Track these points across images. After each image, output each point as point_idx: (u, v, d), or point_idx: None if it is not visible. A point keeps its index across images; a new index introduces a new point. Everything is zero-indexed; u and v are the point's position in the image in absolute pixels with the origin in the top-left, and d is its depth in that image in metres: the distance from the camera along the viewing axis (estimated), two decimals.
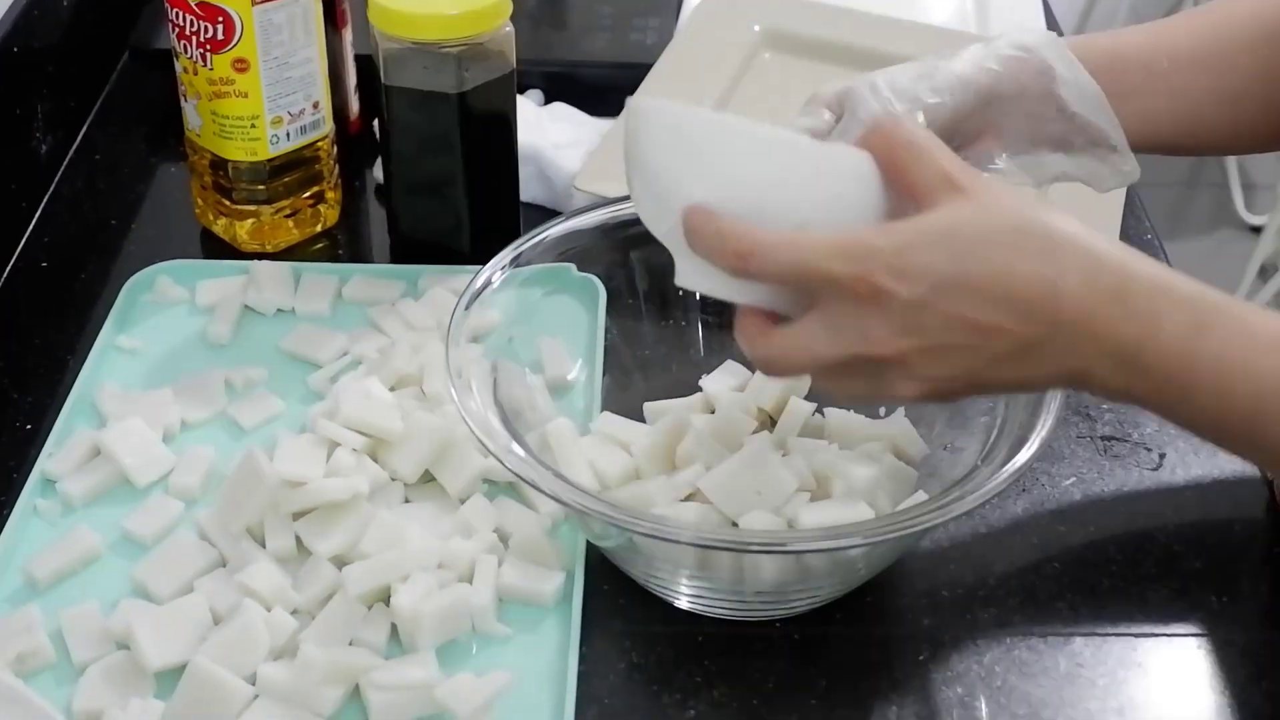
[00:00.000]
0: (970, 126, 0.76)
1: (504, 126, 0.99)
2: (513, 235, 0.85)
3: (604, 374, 0.88)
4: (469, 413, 0.73)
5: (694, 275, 0.67)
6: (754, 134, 0.65)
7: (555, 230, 0.84)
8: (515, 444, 0.73)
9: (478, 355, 0.79)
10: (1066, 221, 0.62)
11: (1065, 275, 0.61)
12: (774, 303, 0.66)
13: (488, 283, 0.81)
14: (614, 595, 0.78)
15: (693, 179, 0.65)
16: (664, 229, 0.67)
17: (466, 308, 0.79)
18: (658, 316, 0.89)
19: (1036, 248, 0.61)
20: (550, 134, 1.08)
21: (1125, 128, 0.77)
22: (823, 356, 0.64)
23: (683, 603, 0.77)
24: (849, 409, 0.83)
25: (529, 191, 1.06)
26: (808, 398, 0.85)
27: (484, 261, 0.82)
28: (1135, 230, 1.07)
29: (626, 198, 0.84)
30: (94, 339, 0.92)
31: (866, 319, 0.62)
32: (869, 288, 0.61)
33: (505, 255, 0.82)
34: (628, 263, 0.87)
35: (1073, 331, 0.61)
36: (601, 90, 1.14)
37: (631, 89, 1.11)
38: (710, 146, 0.65)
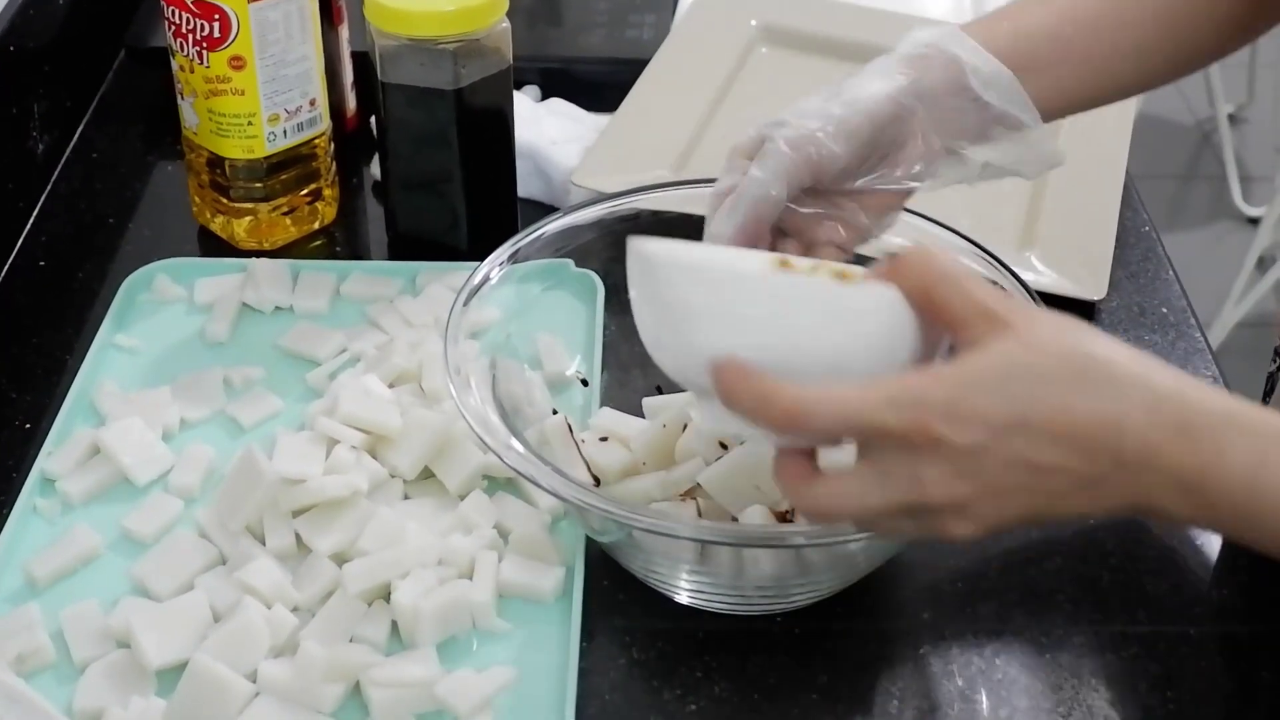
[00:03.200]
0: (888, 136, 0.76)
1: (501, 122, 0.99)
2: (510, 231, 0.85)
3: (603, 369, 0.87)
4: (468, 409, 0.73)
5: (719, 419, 0.64)
6: (775, 282, 0.62)
7: (553, 226, 0.84)
8: (514, 440, 0.73)
9: (476, 351, 0.79)
10: (1116, 350, 0.60)
11: (1127, 411, 0.58)
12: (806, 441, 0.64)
13: (486, 279, 0.81)
14: (614, 591, 0.78)
15: (714, 329, 0.62)
16: (682, 374, 0.64)
17: (465, 304, 0.79)
18: None
19: (1094, 384, 0.59)
20: (547, 130, 1.08)
21: (1040, 100, 0.77)
22: (873, 505, 0.61)
23: (683, 598, 0.77)
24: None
25: (526, 187, 1.06)
26: None
27: (482, 258, 0.81)
28: (1133, 223, 1.07)
29: (624, 193, 0.84)
30: (92, 338, 0.92)
31: (921, 466, 0.59)
32: (924, 436, 0.59)
33: (503, 251, 0.82)
34: (625, 258, 0.87)
35: (1136, 466, 0.59)
36: (598, 86, 1.14)
37: (628, 84, 1.11)
38: (731, 296, 0.62)
